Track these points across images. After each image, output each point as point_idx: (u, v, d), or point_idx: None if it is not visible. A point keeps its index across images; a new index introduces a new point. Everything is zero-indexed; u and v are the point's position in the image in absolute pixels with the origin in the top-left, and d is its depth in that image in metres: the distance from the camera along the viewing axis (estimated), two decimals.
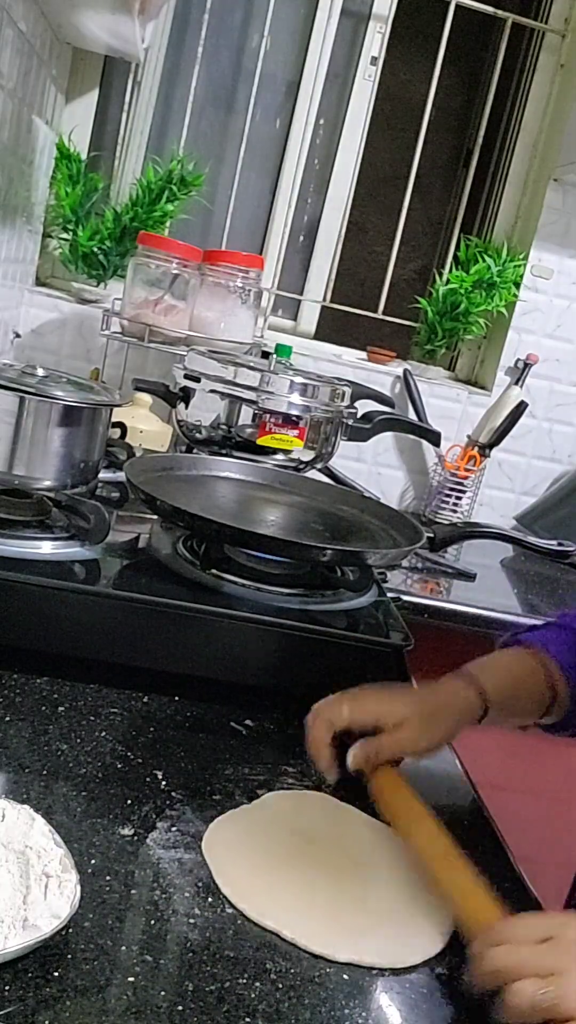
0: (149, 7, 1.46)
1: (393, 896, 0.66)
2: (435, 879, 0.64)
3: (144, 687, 0.86)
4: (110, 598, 0.87)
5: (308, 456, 1.46)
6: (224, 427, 1.42)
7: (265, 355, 1.52)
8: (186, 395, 1.44)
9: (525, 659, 0.82)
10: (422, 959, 0.60)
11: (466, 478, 2.02)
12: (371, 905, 0.64)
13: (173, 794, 0.72)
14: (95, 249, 1.95)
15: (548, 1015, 0.51)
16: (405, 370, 2.05)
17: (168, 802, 0.70)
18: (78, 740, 0.76)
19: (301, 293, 2.20)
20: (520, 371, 2.07)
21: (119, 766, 0.74)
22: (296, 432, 1.41)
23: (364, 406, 1.60)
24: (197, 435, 1.46)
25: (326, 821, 0.73)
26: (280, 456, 1.43)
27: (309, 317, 2.23)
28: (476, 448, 2.02)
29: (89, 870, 0.60)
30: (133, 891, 0.60)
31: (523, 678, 0.80)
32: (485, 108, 2.15)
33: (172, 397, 1.47)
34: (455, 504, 2.02)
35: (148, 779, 0.73)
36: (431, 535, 1.10)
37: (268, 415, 1.40)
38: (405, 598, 1.43)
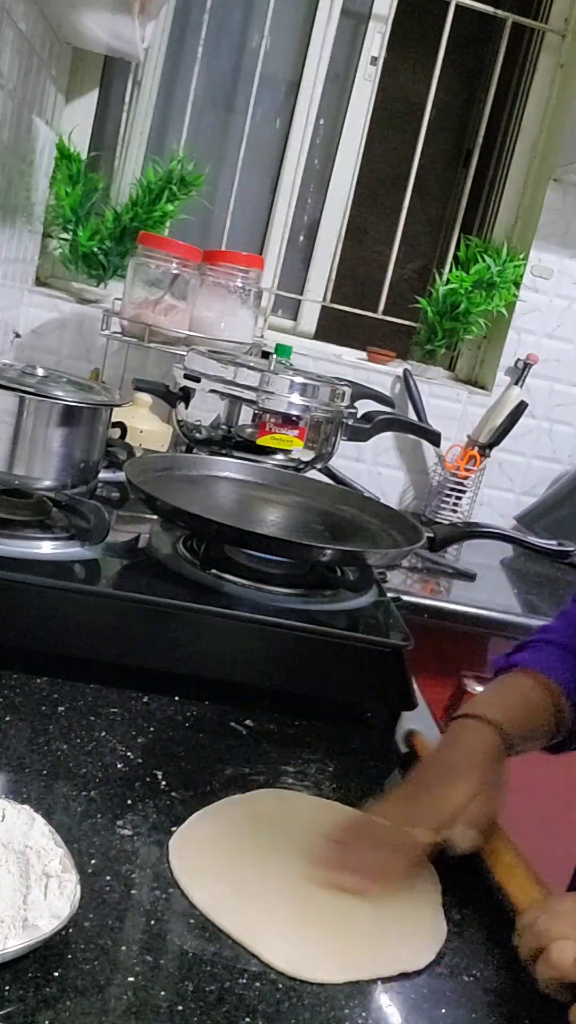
0: (149, 7, 1.46)
1: (377, 907, 0.65)
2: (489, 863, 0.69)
3: (144, 687, 0.86)
4: (110, 598, 0.87)
5: (308, 456, 1.46)
6: (224, 427, 1.42)
7: (265, 355, 1.52)
8: (186, 395, 1.44)
9: (529, 685, 0.81)
10: (409, 969, 0.59)
11: (466, 478, 2.02)
12: (356, 919, 0.63)
13: (173, 794, 0.72)
14: (95, 249, 1.95)
15: None
16: (405, 370, 2.05)
17: (168, 802, 0.70)
18: (78, 740, 0.76)
19: (301, 293, 2.20)
20: (520, 371, 2.07)
21: (119, 766, 0.74)
22: (296, 432, 1.41)
23: (364, 406, 1.60)
24: (197, 435, 1.46)
25: (307, 818, 0.73)
26: (280, 456, 1.43)
27: (309, 317, 2.23)
28: (476, 448, 2.02)
29: (89, 870, 0.60)
30: (133, 891, 0.60)
31: (534, 707, 0.80)
32: (485, 108, 2.15)
33: (172, 397, 1.47)
34: (455, 504, 2.02)
35: (148, 779, 0.73)
36: (431, 535, 1.10)
37: (268, 415, 1.40)
38: (405, 598, 1.43)
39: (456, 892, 0.68)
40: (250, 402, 1.39)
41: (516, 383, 2.06)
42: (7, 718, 0.77)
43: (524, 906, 0.64)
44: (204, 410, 1.43)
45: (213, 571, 0.95)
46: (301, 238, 2.21)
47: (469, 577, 1.67)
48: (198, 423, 1.44)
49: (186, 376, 1.43)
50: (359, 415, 1.54)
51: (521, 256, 2.05)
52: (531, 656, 0.84)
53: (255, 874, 0.64)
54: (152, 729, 0.81)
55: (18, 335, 1.95)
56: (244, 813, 0.71)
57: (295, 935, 0.59)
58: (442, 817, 0.69)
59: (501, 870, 0.70)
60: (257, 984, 0.55)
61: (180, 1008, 0.51)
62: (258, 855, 0.66)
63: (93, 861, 0.62)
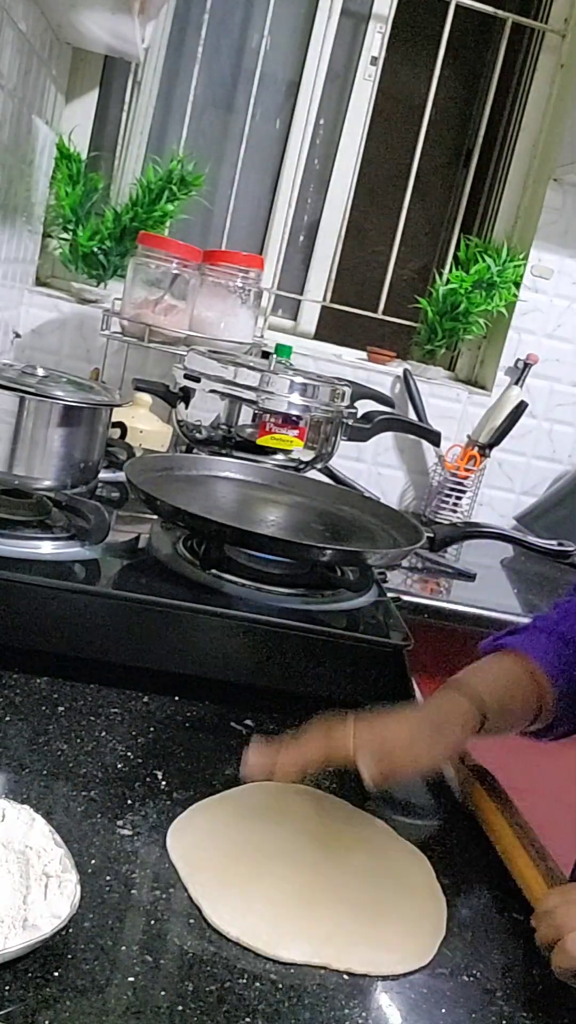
0: (149, 7, 1.46)
1: (377, 900, 0.65)
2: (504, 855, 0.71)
3: (144, 687, 0.86)
4: (110, 598, 0.87)
5: (308, 456, 1.46)
6: (224, 427, 1.42)
7: (265, 355, 1.52)
8: (186, 395, 1.44)
9: (513, 666, 0.81)
10: (407, 969, 0.59)
11: (466, 478, 2.02)
12: (354, 908, 0.63)
13: (174, 794, 0.72)
14: (95, 249, 1.95)
15: None
16: (405, 370, 2.05)
17: (168, 802, 0.70)
18: (78, 740, 0.76)
19: (301, 293, 2.20)
20: (520, 371, 2.07)
21: (119, 766, 0.74)
22: (296, 432, 1.41)
23: (364, 406, 1.60)
24: (197, 435, 1.46)
25: (311, 815, 0.73)
26: (280, 456, 1.43)
27: (309, 317, 2.23)
28: (476, 448, 2.02)
29: (89, 870, 0.60)
30: (133, 891, 0.60)
31: (514, 685, 0.79)
32: (485, 108, 2.15)
33: (172, 397, 1.47)
34: (455, 504, 2.02)
35: (148, 779, 0.73)
36: (431, 535, 1.11)
37: (268, 415, 1.40)
38: (405, 598, 1.43)
39: (459, 891, 0.68)
40: (250, 402, 1.39)
41: (516, 383, 2.06)
42: (7, 718, 0.77)
43: (537, 892, 0.66)
44: (204, 410, 1.43)
45: (213, 571, 0.95)
46: (301, 238, 2.21)
47: (469, 577, 1.67)
48: (198, 423, 1.44)
49: (186, 376, 1.43)
50: (359, 415, 1.54)
51: (521, 256, 2.05)
52: (518, 639, 0.83)
53: (248, 865, 0.65)
54: (152, 729, 0.81)
55: (18, 335, 1.95)
56: (239, 806, 0.71)
57: (288, 923, 0.60)
58: (371, 737, 0.71)
59: (505, 847, 0.72)
60: (257, 984, 0.55)
61: (180, 1008, 0.51)
62: (252, 846, 0.67)
63: (93, 861, 0.62)
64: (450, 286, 2.05)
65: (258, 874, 0.64)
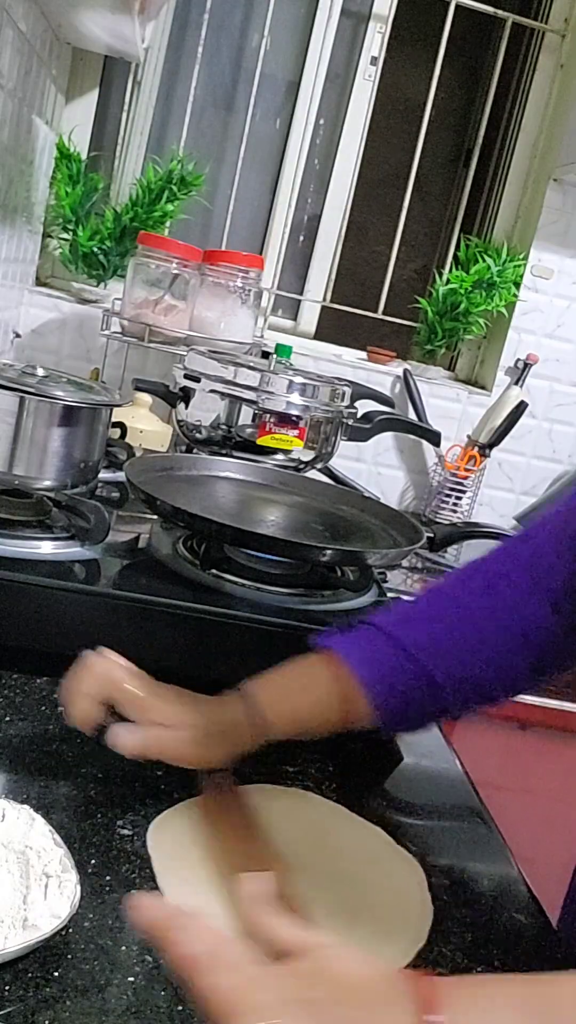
0: (149, 7, 1.46)
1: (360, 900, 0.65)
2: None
3: None
4: (110, 598, 0.87)
5: (308, 456, 1.46)
6: (224, 427, 1.42)
7: (265, 355, 1.52)
8: (186, 395, 1.44)
9: (317, 670, 0.75)
10: None
11: (466, 478, 2.02)
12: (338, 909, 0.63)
13: (174, 794, 0.72)
14: (95, 249, 1.95)
15: None
16: (405, 370, 2.05)
17: (168, 802, 0.70)
18: (78, 740, 0.76)
19: (301, 293, 2.20)
20: (520, 371, 2.07)
21: (119, 766, 0.74)
22: (296, 432, 1.41)
23: (364, 406, 1.60)
24: (197, 435, 1.46)
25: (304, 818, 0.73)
26: (280, 456, 1.43)
27: (309, 317, 2.23)
28: (476, 448, 2.02)
29: (89, 870, 0.60)
30: (133, 891, 0.60)
31: (308, 696, 0.74)
32: (485, 108, 2.15)
33: (172, 397, 1.46)
34: (455, 504, 2.02)
35: (148, 779, 0.73)
36: (431, 535, 1.10)
37: (268, 415, 1.40)
38: (405, 598, 1.43)
39: (458, 892, 0.68)
40: (250, 402, 1.39)
41: (516, 383, 2.06)
42: (7, 718, 0.77)
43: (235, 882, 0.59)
44: (204, 410, 1.43)
45: (213, 571, 0.95)
46: (301, 238, 2.21)
47: None
48: (198, 423, 1.44)
49: (186, 376, 1.43)
50: (359, 415, 1.54)
51: (521, 256, 2.05)
52: (340, 640, 0.77)
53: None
54: None
55: (18, 335, 1.95)
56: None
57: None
58: (146, 696, 0.71)
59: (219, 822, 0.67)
60: None
61: (180, 1008, 0.51)
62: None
63: (93, 861, 0.62)
64: (450, 286, 2.05)
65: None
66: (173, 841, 0.66)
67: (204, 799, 0.71)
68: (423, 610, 0.78)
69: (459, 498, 2.02)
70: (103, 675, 0.71)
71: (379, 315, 2.16)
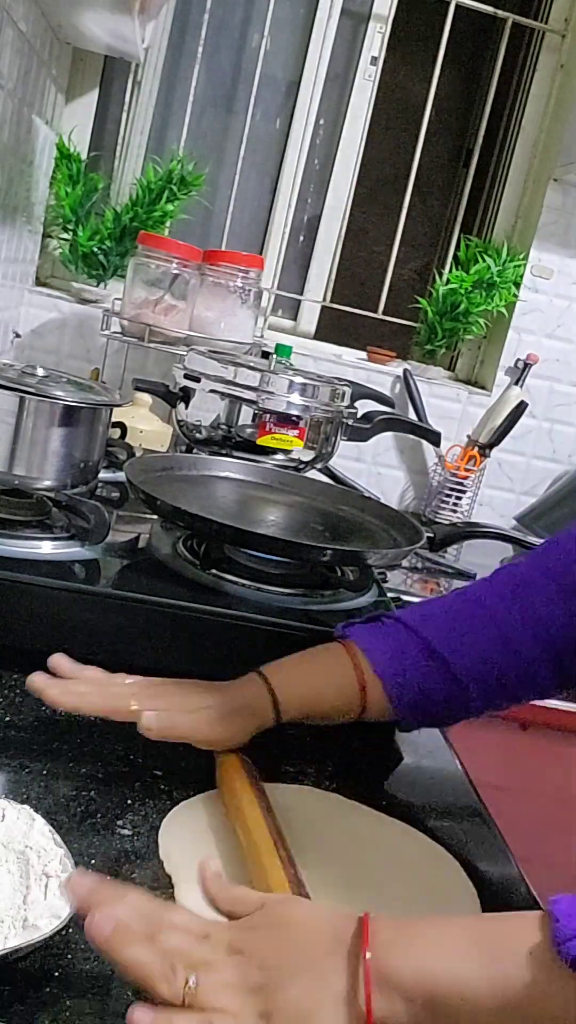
0: (149, 7, 1.46)
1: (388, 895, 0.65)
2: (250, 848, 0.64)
3: None
4: (110, 598, 0.87)
5: (308, 456, 1.46)
6: (224, 427, 1.42)
7: (265, 355, 1.52)
8: (186, 395, 1.44)
9: (336, 660, 0.76)
10: None
11: (466, 478, 2.02)
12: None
13: (174, 794, 0.72)
14: (95, 249, 1.95)
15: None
16: (405, 370, 2.05)
17: (168, 802, 0.70)
18: (78, 740, 0.76)
19: (301, 293, 2.20)
20: (520, 371, 2.07)
21: (119, 766, 0.74)
22: (296, 432, 1.41)
23: (364, 406, 1.60)
24: (197, 435, 1.46)
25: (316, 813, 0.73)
26: (280, 456, 1.43)
27: (309, 317, 2.23)
28: (476, 448, 2.02)
29: (89, 870, 0.60)
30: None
31: (325, 683, 0.75)
32: (485, 108, 2.15)
33: (172, 397, 1.46)
34: (455, 504, 2.02)
35: (148, 779, 0.73)
36: (431, 535, 1.10)
37: (268, 415, 1.40)
38: (405, 598, 1.43)
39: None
40: (250, 402, 1.39)
41: (516, 383, 2.06)
42: (7, 718, 0.77)
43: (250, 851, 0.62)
44: (204, 410, 1.43)
45: (213, 571, 0.95)
46: (301, 238, 2.21)
47: (469, 577, 1.66)
48: (198, 423, 1.44)
49: (186, 376, 1.43)
50: (359, 415, 1.54)
51: (521, 256, 2.05)
52: (361, 631, 0.79)
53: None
54: None
55: (18, 335, 1.95)
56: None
57: None
58: (163, 689, 0.73)
59: (255, 841, 0.64)
60: None
61: None
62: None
63: (93, 861, 0.62)
64: (450, 286, 2.05)
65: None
66: (185, 836, 0.66)
67: (221, 787, 0.71)
68: (446, 608, 0.80)
69: (459, 498, 2.02)
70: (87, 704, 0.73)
71: (379, 315, 2.16)
